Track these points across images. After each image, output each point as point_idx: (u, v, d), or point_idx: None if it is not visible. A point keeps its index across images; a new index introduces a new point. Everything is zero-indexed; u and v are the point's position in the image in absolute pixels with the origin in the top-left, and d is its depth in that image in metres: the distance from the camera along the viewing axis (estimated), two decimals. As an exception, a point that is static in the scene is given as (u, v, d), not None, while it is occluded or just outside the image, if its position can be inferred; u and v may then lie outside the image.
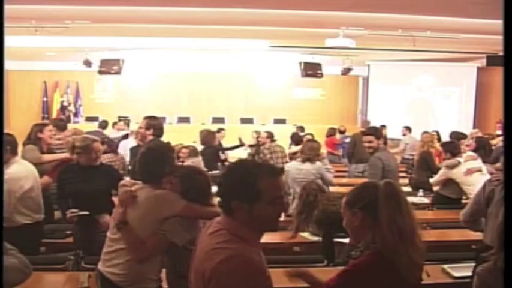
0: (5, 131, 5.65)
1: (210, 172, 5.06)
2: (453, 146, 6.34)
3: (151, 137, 5.10)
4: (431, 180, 6.45)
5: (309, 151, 5.95)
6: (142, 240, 2.87)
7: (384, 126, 11.44)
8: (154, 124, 5.20)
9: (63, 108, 15.48)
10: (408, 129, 12.25)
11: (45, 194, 4.97)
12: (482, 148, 6.76)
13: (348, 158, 9.49)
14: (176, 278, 2.93)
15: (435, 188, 6.48)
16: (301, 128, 12.25)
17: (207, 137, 8.07)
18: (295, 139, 9.82)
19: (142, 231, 2.90)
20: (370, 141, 5.26)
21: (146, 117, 5.35)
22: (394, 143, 12.16)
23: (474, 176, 5.73)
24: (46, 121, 10.51)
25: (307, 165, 5.81)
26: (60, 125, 6.36)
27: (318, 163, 5.88)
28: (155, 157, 3.11)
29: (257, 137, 10.01)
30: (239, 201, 1.85)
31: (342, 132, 11.74)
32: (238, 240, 1.84)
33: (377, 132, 5.44)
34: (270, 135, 9.13)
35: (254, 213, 1.85)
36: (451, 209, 6.02)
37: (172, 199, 2.96)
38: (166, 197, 2.97)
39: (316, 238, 4.29)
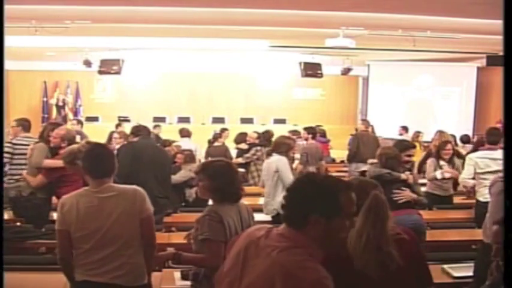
0: (5, 131, 5.65)
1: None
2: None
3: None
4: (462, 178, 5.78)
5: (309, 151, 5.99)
6: (201, 257, 2.91)
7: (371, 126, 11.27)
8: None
9: (59, 108, 15.47)
10: (405, 128, 12.19)
11: (38, 196, 4.99)
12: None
13: (350, 157, 9.27)
14: None
15: (425, 188, 6.19)
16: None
17: (240, 137, 9.15)
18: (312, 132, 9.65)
19: (126, 231, 2.92)
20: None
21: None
22: (393, 142, 12.10)
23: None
24: (61, 121, 10.71)
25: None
26: (25, 125, 6.37)
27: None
28: (110, 153, 3.21)
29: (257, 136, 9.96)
30: (319, 214, 1.79)
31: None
32: (314, 259, 1.80)
33: None
34: (260, 136, 9.11)
35: (331, 228, 1.81)
36: (445, 209, 6.06)
37: (146, 198, 3.04)
38: (144, 195, 3.03)
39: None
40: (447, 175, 6.03)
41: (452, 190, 6.27)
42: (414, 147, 5.51)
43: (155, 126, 10.94)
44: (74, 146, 4.55)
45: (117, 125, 11.97)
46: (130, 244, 2.94)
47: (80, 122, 11.19)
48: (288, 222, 1.87)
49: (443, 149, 6.16)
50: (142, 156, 5.34)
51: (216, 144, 9.32)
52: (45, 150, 5.17)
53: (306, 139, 8.68)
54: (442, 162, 6.10)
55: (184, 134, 9.74)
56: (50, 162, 5.07)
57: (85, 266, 2.92)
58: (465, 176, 5.46)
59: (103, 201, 2.94)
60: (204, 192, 3.09)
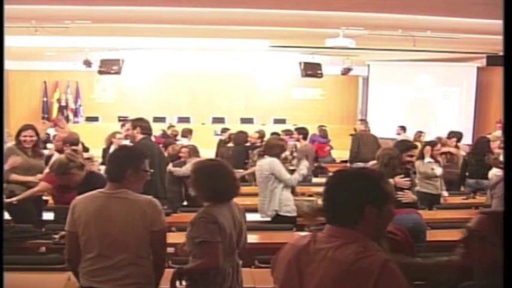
0: (5, 130, 5.61)
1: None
2: None
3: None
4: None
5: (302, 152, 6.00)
6: (201, 262, 2.88)
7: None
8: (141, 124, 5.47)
9: (61, 109, 15.49)
10: (403, 128, 12.17)
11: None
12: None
13: (352, 158, 9.24)
14: None
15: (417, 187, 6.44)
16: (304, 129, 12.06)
17: (238, 136, 9.08)
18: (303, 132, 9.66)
19: (135, 240, 2.83)
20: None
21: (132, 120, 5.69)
22: (392, 142, 12.13)
23: None
24: (30, 123, 10.25)
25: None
26: None
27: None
28: (131, 156, 3.03)
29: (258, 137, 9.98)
30: (371, 205, 1.78)
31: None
32: (370, 250, 1.78)
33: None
34: (262, 136, 9.09)
35: (382, 217, 1.81)
36: (444, 209, 6.10)
37: (161, 211, 2.95)
38: (160, 208, 2.93)
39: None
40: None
41: (441, 188, 6.43)
42: (416, 147, 5.54)
43: (169, 127, 11.35)
44: (62, 156, 4.46)
45: (123, 125, 11.94)
46: (141, 254, 2.84)
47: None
48: (337, 221, 1.83)
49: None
50: (154, 156, 5.31)
51: (229, 145, 9.50)
52: (11, 155, 5.00)
53: (298, 140, 8.67)
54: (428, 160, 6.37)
55: (183, 134, 9.83)
56: (17, 178, 4.98)
57: (93, 273, 2.83)
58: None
59: (113, 205, 2.85)
60: (197, 193, 3.08)
